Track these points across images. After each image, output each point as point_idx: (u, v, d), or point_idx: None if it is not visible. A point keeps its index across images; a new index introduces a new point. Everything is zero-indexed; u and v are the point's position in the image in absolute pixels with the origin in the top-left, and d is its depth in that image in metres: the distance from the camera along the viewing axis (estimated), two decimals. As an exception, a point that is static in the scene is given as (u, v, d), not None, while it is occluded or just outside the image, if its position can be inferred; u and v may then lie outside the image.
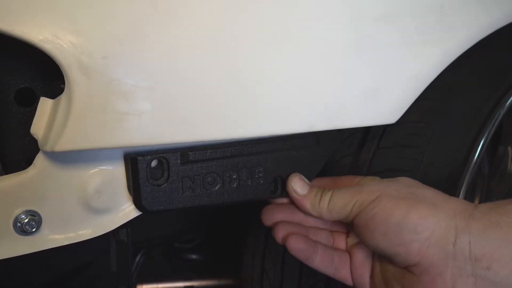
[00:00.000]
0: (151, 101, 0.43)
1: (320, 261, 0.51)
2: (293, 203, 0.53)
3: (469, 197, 0.85)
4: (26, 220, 0.44)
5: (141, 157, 0.45)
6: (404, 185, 0.48)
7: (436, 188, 0.48)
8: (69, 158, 0.45)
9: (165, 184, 0.47)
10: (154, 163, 0.46)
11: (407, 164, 0.59)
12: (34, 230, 0.44)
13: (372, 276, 0.51)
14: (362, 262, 0.51)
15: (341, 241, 0.54)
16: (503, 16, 0.58)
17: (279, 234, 0.51)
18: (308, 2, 0.48)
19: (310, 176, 0.54)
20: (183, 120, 0.45)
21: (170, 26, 0.43)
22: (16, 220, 0.44)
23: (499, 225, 0.42)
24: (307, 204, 0.51)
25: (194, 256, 1.04)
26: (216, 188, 0.49)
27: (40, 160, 0.44)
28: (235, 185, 0.50)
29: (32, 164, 0.44)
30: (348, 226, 0.54)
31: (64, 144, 0.40)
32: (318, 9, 0.48)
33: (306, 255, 0.50)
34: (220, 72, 0.45)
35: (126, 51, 0.41)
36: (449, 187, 0.59)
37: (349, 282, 0.52)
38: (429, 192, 0.47)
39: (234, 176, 0.50)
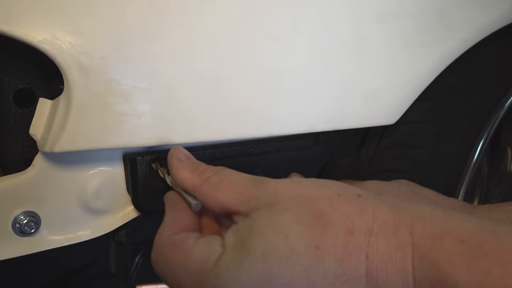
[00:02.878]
0: (150, 102, 0.43)
1: None
2: None
3: (469, 198, 0.85)
4: (25, 221, 0.44)
5: (140, 157, 0.45)
6: (405, 185, 0.48)
7: (436, 188, 0.48)
8: (68, 159, 0.45)
9: (164, 184, 0.47)
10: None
11: (406, 164, 0.59)
12: (33, 231, 0.44)
13: None
14: None
15: None
16: (502, 17, 0.58)
17: None
18: (308, 3, 0.48)
19: (309, 177, 0.53)
20: (182, 121, 0.45)
21: (168, 26, 0.43)
22: (15, 221, 0.44)
23: None
24: None
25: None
26: (216, 188, 0.49)
27: (39, 161, 0.44)
28: None
29: (31, 165, 0.44)
30: None
31: (63, 145, 0.40)
32: (317, 10, 0.48)
33: None
34: (219, 73, 0.45)
35: (125, 51, 0.41)
36: (449, 187, 0.59)
37: None
38: (430, 192, 0.47)
39: None
